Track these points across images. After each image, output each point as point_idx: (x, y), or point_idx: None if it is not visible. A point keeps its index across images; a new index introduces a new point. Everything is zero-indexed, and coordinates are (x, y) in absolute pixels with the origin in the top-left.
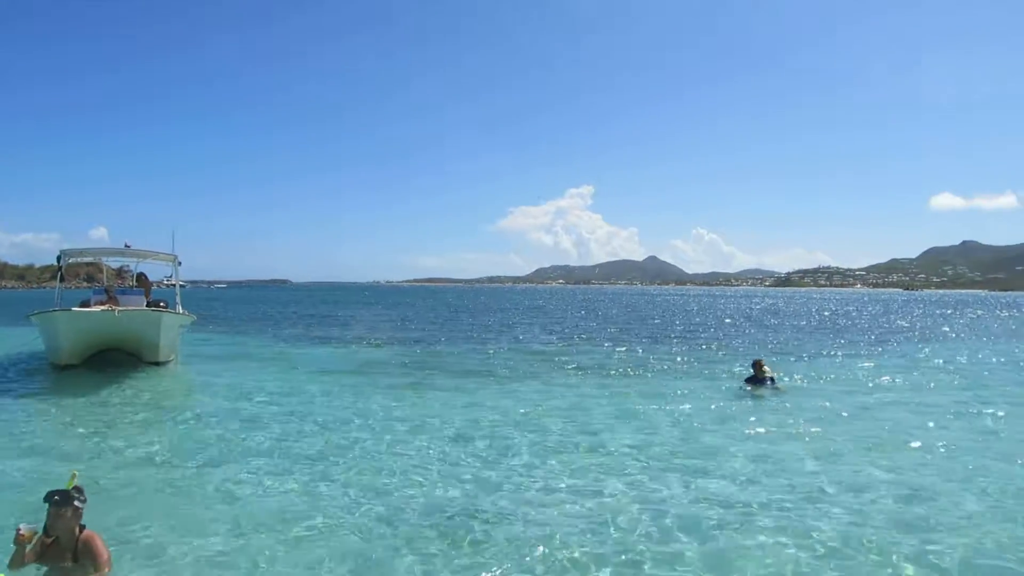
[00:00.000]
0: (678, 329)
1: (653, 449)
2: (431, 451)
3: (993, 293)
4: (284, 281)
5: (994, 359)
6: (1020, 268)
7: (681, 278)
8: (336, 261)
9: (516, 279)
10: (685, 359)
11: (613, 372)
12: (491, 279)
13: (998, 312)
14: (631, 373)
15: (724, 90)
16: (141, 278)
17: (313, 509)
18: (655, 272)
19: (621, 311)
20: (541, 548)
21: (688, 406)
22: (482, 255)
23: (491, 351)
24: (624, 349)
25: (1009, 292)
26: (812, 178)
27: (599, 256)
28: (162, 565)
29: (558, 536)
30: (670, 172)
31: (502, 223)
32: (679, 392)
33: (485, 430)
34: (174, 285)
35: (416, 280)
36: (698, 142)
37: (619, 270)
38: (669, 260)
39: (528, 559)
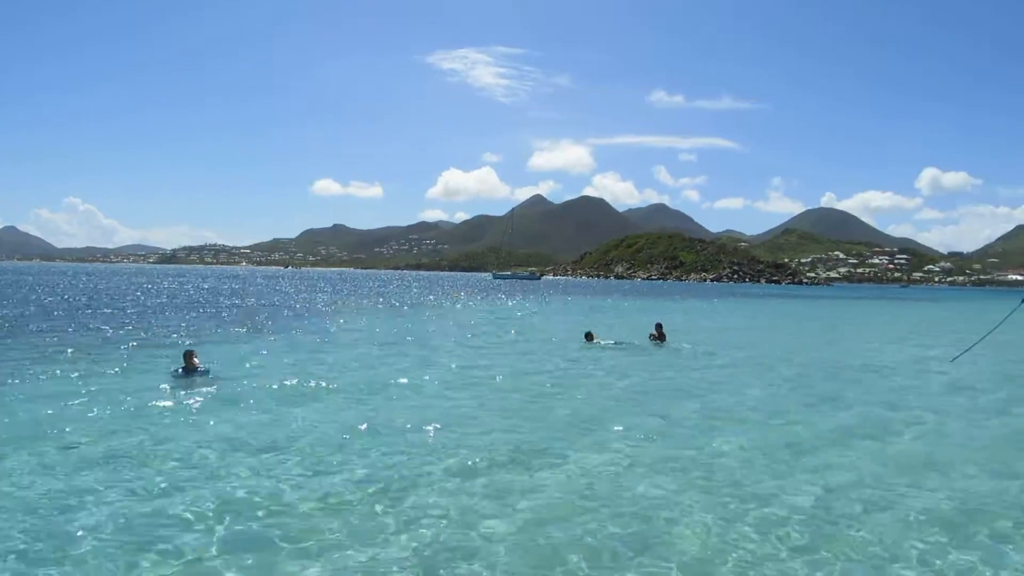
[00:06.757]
0: (81, 314)
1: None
2: None
3: (357, 270)
4: None
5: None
6: (378, 249)
7: (49, 253)
8: None
9: None
10: (100, 351)
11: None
12: None
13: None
14: (26, 371)
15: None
16: None
17: None
18: (15, 245)
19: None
20: None
21: (118, 403)
22: None
23: None
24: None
25: (370, 269)
26: (201, 160)
27: None
28: None
29: None
30: (36, 133)
31: None
32: (98, 390)
33: None
34: None
35: None
36: (72, 106)
37: None
38: (34, 232)
39: None
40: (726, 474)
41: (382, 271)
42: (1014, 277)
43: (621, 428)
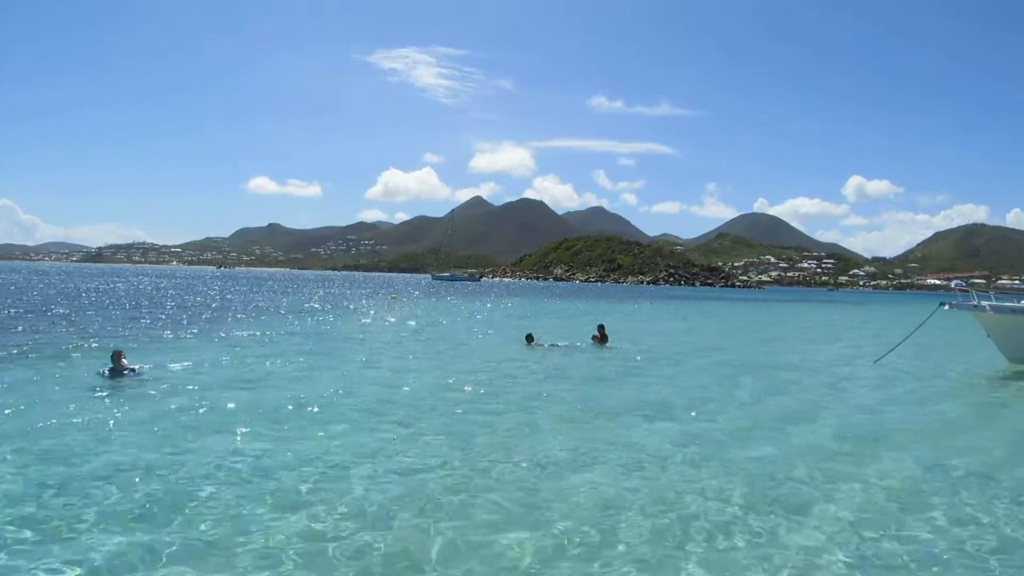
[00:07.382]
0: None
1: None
2: None
3: (294, 271)
4: None
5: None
6: (315, 249)
7: None
8: None
9: None
10: (17, 351)
11: None
12: None
13: (324, 289)
14: None
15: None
16: None
17: None
18: None
19: None
20: None
21: (45, 405)
22: None
23: None
24: None
25: (307, 270)
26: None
27: None
28: None
29: None
30: None
31: None
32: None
33: None
34: None
35: None
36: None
37: None
38: None
39: None
40: (711, 475)
41: (318, 271)
42: (932, 281)
43: (582, 428)
